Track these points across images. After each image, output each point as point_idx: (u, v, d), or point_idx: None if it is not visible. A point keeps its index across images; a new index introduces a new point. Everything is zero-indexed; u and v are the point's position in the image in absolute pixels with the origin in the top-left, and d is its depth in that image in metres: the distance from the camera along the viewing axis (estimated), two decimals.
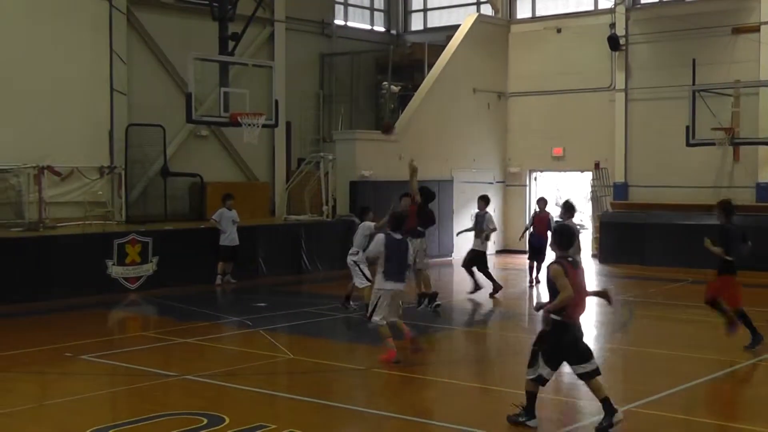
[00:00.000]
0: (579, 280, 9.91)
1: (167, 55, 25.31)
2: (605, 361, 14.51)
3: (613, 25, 28.71)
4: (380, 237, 13.73)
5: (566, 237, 10.24)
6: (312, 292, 21.55)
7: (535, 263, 22.75)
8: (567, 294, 9.64)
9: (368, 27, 33.47)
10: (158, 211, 23.97)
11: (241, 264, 22.21)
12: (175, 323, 16.98)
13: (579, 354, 9.93)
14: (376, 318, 13.52)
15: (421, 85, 29.16)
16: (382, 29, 33.99)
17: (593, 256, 28.41)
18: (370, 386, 12.67)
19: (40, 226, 20.82)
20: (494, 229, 21.10)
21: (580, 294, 9.89)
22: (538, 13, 31.42)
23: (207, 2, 23.19)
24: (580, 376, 10.01)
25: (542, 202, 23.23)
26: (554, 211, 23.59)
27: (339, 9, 32.11)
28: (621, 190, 28.68)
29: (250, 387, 11.97)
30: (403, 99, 30.19)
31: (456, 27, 30.70)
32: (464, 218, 29.54)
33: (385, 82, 30.79)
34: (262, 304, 19.35)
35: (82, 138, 23.27)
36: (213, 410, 10.62)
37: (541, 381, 10.02)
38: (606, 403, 9.87)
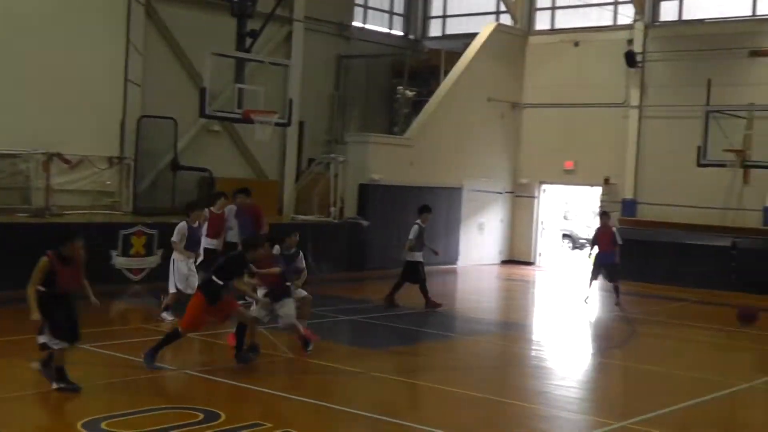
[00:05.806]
0: (66, 272, 11.45)
1: (184, 48, 25.25)
2: (603, 376, 14.54)
3: (631, 42, 28.66)
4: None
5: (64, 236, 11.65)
6: (315, 293, 21.44)
7: (610, 284, 21.87)
8: (31, 287, 11.28)
9: (386, 30, 33.42)
10: (166, 204, 23.91)
11: None
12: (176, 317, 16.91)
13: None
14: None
15: (436, 92, 29.13)
16: (401, 33, 33.95)
17: None
18: (368, 389, 12.65)
19: (46, 213, 20.80)
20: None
21: (66, 279, 11.50)
22: (557, 26, 31.37)
23: None
24: (42, 345, 11.36)
25: (605, 216, 22.39)
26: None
27: (358, 11, 32.08)
28: (630, 206, 28.59)
29: (248, 384, 11.96)
30: (417, 104, 30.16)
31: (474, 35, 30.63)
32: (471, 227, 29.61)
33: (400, 87, 30.74)
34: None
35: (93, 127, 23.21)
36: (209, 406, 10.63)
37: (45, 348, 11.26)
38: (60, 371, 11.12)
